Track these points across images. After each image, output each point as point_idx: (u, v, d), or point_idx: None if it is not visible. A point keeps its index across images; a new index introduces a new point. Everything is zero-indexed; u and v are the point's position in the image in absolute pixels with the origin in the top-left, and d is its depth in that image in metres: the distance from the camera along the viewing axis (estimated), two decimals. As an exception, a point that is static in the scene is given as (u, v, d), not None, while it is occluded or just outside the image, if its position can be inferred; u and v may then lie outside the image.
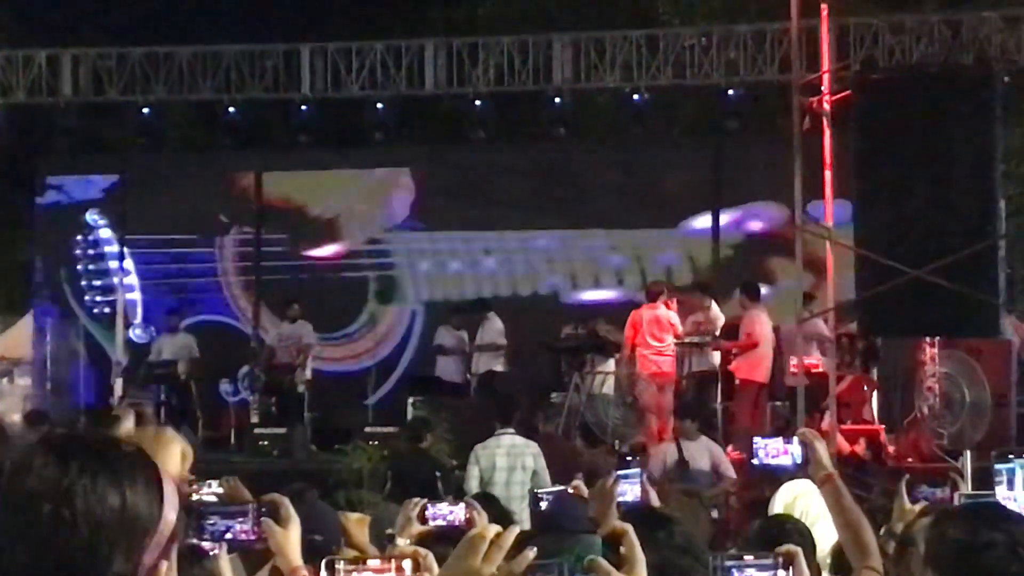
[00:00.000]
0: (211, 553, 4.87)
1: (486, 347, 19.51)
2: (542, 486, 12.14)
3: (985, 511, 4.75)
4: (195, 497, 6.52)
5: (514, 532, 2.72)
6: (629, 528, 2.79)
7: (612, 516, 5.37)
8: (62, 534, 2.38)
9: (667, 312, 18.21)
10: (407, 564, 3.77)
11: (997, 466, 5.19)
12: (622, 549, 2.67)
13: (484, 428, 13.84)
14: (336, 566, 3.78)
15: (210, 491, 6.53)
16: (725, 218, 22.31)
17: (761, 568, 4.35)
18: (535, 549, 2.63)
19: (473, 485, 12.96)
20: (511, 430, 13.48)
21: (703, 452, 14.46)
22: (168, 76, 20.45)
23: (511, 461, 13.19)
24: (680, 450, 14.35)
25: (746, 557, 4.12)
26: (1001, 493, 4.83)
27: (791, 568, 4.19)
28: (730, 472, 14.41)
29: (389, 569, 3.76)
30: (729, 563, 4.24)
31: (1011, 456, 5.13)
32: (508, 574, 2.64)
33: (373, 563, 3.81)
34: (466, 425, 15.87)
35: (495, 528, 2.74)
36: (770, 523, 6.48)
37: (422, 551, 3.98)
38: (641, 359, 18.01)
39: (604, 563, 2.56)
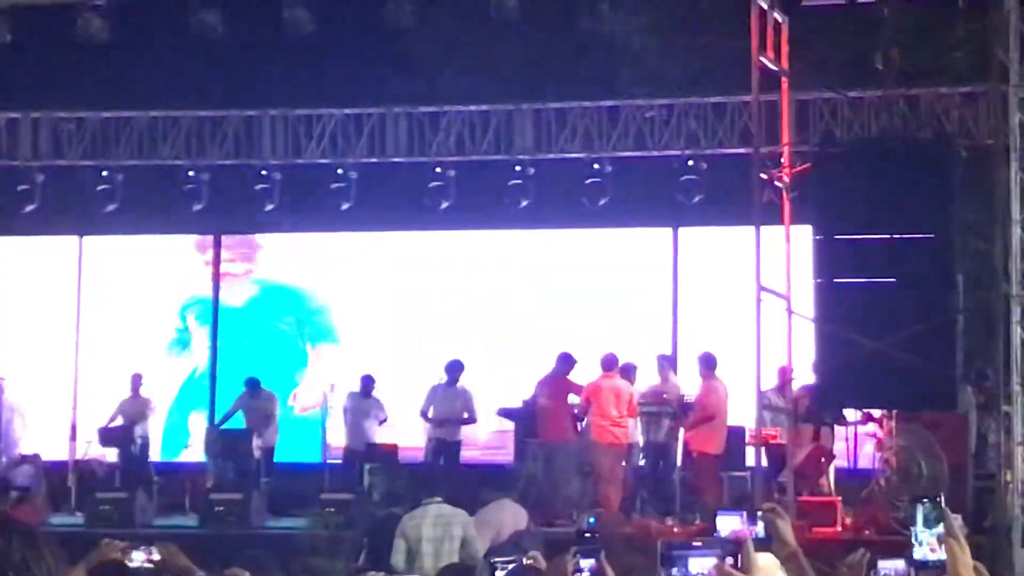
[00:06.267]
0: None
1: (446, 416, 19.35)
2: (474, 556, 11.95)
3: None
4: (133, 564, 6.44)
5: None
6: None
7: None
8: None
9: (625, 384, 18.17)
10: None
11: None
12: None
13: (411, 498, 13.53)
14: None
15: (148, 557, 6.45)
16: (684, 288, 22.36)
17: (707, 552, 4.43)
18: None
19: (400, 559, 12.48)
20: (438, 499, 12.89)
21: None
22: (128, 140, 20.49)
23: (439, 531, 12.59)
24: None
25: (694, 543, 4.23)
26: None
27: (739, 555, 4.22)
28: None
29: None
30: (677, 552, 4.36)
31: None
32: None
33: None
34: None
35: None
36: None
37: None
38: (598, 429, 17.96)
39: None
